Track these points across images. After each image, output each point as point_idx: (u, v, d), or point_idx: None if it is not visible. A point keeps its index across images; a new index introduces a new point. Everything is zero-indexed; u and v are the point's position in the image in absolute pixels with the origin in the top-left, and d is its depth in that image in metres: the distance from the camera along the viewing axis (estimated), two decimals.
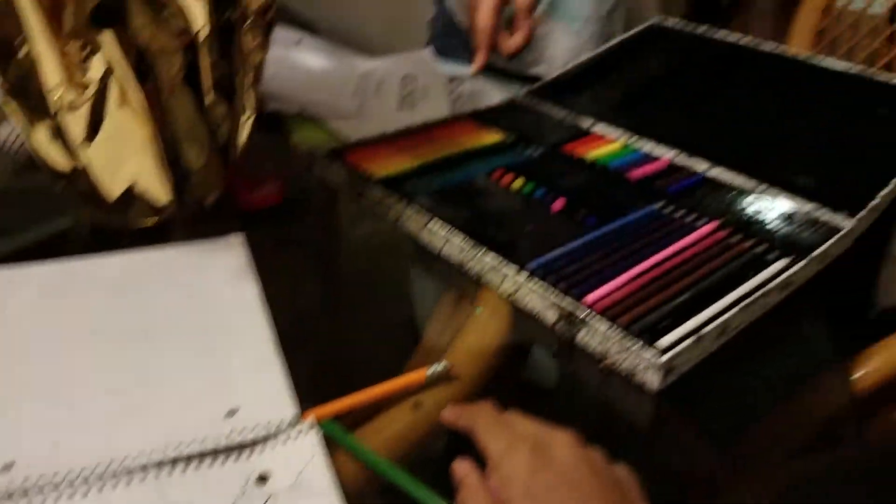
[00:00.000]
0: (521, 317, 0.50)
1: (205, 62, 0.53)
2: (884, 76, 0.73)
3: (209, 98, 0.55)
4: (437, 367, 0.43)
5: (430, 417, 0.41)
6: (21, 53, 0.49)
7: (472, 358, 0.46)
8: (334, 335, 0.50)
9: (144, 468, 0.34)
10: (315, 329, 0.50)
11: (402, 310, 0.55)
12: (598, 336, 0.46)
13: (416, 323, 0.53)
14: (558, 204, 0.61)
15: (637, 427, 0.44)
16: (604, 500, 0.30)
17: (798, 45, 1.10)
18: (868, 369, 0.48)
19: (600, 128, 0.75)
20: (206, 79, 0.54)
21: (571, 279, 0.50)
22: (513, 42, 0.82)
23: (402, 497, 0.35)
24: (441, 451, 0.40)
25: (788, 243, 0.55)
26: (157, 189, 0.56)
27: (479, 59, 0.81)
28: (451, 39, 1.12)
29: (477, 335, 0.49)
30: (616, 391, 0.45)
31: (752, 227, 0.57)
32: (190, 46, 0.52)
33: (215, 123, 0.56)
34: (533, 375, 0.46)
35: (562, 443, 0.32)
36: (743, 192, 0.62)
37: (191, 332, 0.45)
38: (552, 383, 0.44)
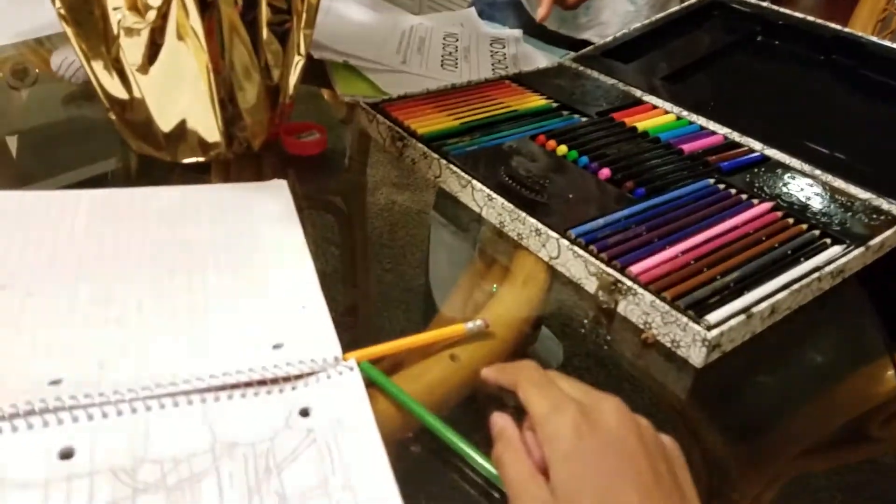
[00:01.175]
0: (558, 284, 0.50)
1: None
2: None
3: (265, 35, 0.54)
4: (475, 323, 0.43)
5: (466, 370, 0.41)
6: None
7: (508, 320, 0.46)
8: (364, 287, 0.50)
9: (188, 394, 0.35)
10: (345, 280, 0.50)
11: (428, 269, 0.54)
12: (642, 307, 0.45)
13: (441, 285, 0.52)
14: (605, 173, 0.59)
15: (673, 402, 0.43)
16: (650, 470, 0.30)
17: (861, 30, 1.06)
18: None
19: (650, 99, 0.73)
20: (265, 14, 0.53)
21: (615, 249, 0.49)
22: None
23: (437, 442, 0.35)
24: (475, 405, 0.40)
25: (844, 230, 0.53)
26: (209, 126, 0.55)
27: (546, 3, 0.76)
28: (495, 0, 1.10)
29: (514, 298, 0.49)
30: (654, 365, 0.44)
31: (807, 210, 0.56)
32: None
33: (268, 63, 0.56)
34: (539, 353, 0.45)
35: (609, 408, 0.32)
36: (799, 175, 0.61)
37: (238, 267, 0.45)
38: (557, 363, 0.44)
